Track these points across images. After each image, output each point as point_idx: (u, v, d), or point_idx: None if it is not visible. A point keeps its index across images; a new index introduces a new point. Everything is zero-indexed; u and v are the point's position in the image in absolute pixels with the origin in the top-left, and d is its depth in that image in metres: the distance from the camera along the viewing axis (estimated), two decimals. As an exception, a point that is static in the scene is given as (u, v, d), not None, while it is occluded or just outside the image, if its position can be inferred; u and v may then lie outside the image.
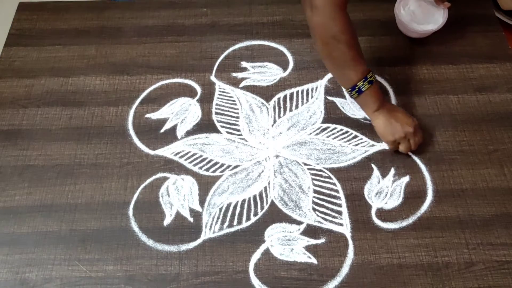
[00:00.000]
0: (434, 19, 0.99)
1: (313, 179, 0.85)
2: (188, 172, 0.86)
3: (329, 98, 0.95)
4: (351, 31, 0.80)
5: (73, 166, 0.87)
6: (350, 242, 0.79)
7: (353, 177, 0.85)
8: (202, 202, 0.83)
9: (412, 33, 1.01)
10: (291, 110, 0.94)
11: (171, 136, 0.91)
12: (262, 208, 0.82)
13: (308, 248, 0.78)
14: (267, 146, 0.89)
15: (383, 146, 0.89)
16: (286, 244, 0.79)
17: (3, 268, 0.77)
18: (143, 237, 0.80)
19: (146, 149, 0.89)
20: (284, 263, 0.77)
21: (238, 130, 0.91)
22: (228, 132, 0.91)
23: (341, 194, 0.84)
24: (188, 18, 1.08)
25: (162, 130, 0.91)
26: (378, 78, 0.97)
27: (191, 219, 0.81)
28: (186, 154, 0.88)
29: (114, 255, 0.78)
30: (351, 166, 0.87)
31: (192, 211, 0.82)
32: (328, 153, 0.88)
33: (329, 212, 0.82)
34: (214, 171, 0.86)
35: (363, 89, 0.82)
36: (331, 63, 0.84)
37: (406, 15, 0.99)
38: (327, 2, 0.77)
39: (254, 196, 0.84)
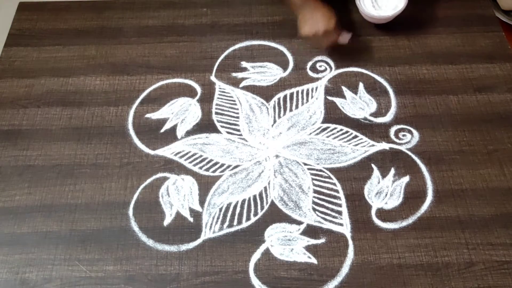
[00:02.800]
0: (395, 5, 1.00)
1: (313, 179, 0.85)
2: (188, 172, 0.86)
3: (329, 98, 0.95)
4: None
5: (73, 166, 0.87)
6: (350, 242, 0.79)
7: (353, 177, 0.85)
8: (202, 202, 0.83)
9: (370, 19, 1.02)
10: (291, 110, 0.94)
11: (171, 136, 0.91)
12: (262, 208, 0.82)
13: (308, 248, 0.78)
14: (267, 146, 0.89)
15: (383, 146, 0.89)
16: (286, 244, 0.79)
17: (3, 268, 0.77)
18: (143, 237, 0.80)
19: (146, 149, 0.89)
20: (284, 263, 0.77)
21: (238, 130, 0.91)
22: (228, 132, 0.91)
23: (341, 194, 0.84)
24: (188, 18, 1.08)
25: (162, 130, 0.91)
26: (378, 78, 0.98)
27: (191, 219, 0.81)
28: (186, 154, 0.88)
29: (114, 255, 0.78)
30: (351, 166, 0.87)
31: (192, 211, 0.82)
32: (328, 153, 0.88)
33: (329, 212, 0.82)
34: (214, 171, 0.86)
35: None
36: None
37: (367, 1, 1.02)
38: None
39: (254, 196, 0.84)
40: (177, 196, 0.84)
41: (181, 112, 0.94)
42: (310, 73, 0.99)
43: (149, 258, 0.78)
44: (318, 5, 0.93)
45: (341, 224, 0.81)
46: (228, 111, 0.94)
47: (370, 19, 1.02)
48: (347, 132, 0.91)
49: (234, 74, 0.99)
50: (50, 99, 0.95)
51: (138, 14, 1.09)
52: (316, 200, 0.83)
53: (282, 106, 0.94)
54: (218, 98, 0.96)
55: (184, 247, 0.79)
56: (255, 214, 0.82)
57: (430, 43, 1.03)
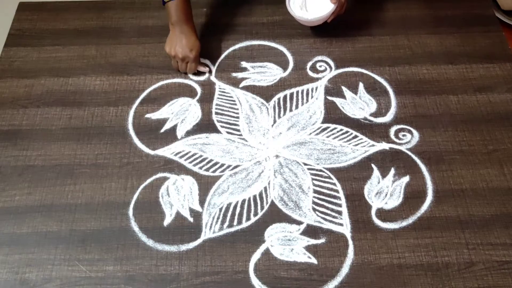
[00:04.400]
0: (323, 8, 0.99)
1: (313, 179, 0.85)
2: (188, 172, 0.86)
3: (329, 98, 0.95)
4: None
5: (73, 166, 0.87)
6: (350, 242, 0.79)
7: (353, 177, 0.85)
8: (202, 202, 0.83)
9: (300, 21, 1.01)
10: (291, 110, 0.94)
11: (171, 136, 0.91)
12: (262, 208, 0.82)
13: (308, 248, 0.78)
14: (267, 146, 0.89)
15: (383, 146, 0.89)
16: (286, 244, 0.79)
17: (3, 268, 0.77)
18: (143, 237, 0.80)
19: (146, 149, 0.89)
20: (284, 263, 0.77)
21: (238, 130, 0.91)
22: (228, 132, 0.91)
23: (341, 194, 0.84)
24: (188, 18, 1.08)
25: (162, 130, 0.91)
26: (378, 78, 0.97)
27: (191, 219, 0.81)
28: (186, 154, 0.88)
29: (114, 255, 0.78)
30: (351, 166, 0.87)
31: (192, 211, 0.82)
32: (328, 153, 0.88)
33: (329, 212, 0.82)
34: (214, 171, 0.86)
35: (164, 3, 0.93)
36: None
37: (295, 4, 1.01)
38: None
39: (254, 196, 0.84)
40: (177, 196, 0.84)
41: (181, 112, 0.94)
42: (310, 73, 0.99)
43: (149, 258, 0.78)
44: (188, 30, 0.94)
45: (341, 224, 0.81)
46: (228, 111, 0.94)
47: (302, 22, 1.01)
48: (347, 132, 0.91)
49: (234, 74, 0.99)
50: (50, 99, 0.95)
51: (138, 14, 1.09)
52: (316, 200, 0.83)
53: (282, 106, 0.94)
54: (218, 98, 0.96)
55: (184, 247, 0.79)
56: (255, 214, 0.82)
57: (430, 43, 1.03)
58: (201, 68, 0.98)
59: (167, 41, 0.95)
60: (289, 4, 1.00)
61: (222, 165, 0.87)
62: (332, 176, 0.85)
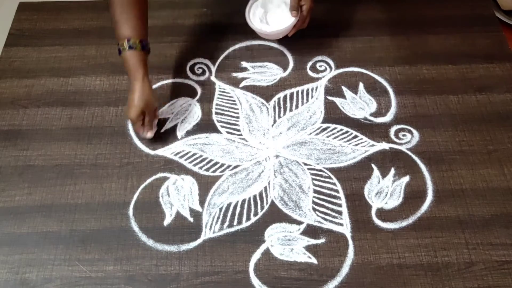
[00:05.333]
0: (283, 21, 0.96)
1: (313, 179, 0.85)
2: (188, 172, 0.86)
3: (329, 98, 0.95)
4: None
5: (73, 166, 0.87)
6: (350, 242, 0.79)
7: (353, 177, 0.85)
8: (202, 202, 0.83)
9: (262, 35, 0.99)
10: (291, 110, 0.94)
11: (171, 136, 0.91)
12: (262, 208, 0.82)
13: (308, 248, 0.78)
14: (267, 146, 0.89)
15: (383, 146, 0.89)
16: (286, 244, 0.79)
17: (3, 268, 0.77)
18: (143, 237, 0.80)
19: (146, 149, 0.89)
20: (284, 263, 0.77)
21: (238, 130, 0.91)
22: (228, 132, 0.91)
23: (341, 194, 0.84)
24: (188, 18, 1.08)
25: (162, 130, 0.91)
26: (378, 78, 0.97)
27: (191, 219, 0.81)
28: (186, 154, 0.88)
29: (114, 255, 0.78)
30: (351, 166, 0.87)
31: (192, 211, 0.82)
32: (328, 153, 0.88)
33: (329, 212, 0.82)
34: (214, 171, 0.86)
35: (121, 53, 0.85)
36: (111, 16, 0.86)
37: (255, 16, 0.99)
38: None
39: (254, 196, 0.84)
40: (177, 196, 0.84)
41: (181, 112, 0.94)
42: (310, 73, 0.99)
43: (149, 258, 0.78)
44: (144, 92, 0.84)
45: (341, 224, 0.81)
46: (228, 111, 0.94)
47: (262, 35, 0.99)
48: (347, 132, 0.91)
49: (234, 74, 0.99)
50: (50, 99, 0.95)
51: (138, 14, 1.08)
52: (316, 200, 0.83)
53: (282, 106, 0.94)
54: (218, 98, 0.96)
55: (184, 247, 0.79)
56: (255, 214, 0.82)
57: (430, 43, 1.03)
58: (148, 133, 0.88)
59: (127, 103, 0.86)
60: (248, 16, 0.98)
61: (222, 165, 0.87)
62: (332, 176, 0.85)
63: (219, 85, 0.98)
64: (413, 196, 0.83)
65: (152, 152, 0.89)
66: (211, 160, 0.88)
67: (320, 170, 0.86)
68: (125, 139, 0.90)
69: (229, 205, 0.83)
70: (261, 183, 0.85)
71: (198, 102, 0.95)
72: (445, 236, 0.79)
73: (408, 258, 0.77)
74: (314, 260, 0.77)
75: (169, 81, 0.98)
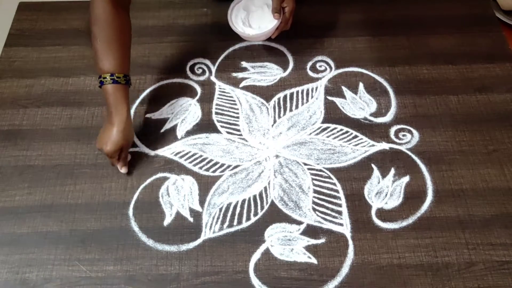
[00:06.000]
0: (266, 25, 0.96)
1: (313, 179, 0.85)
2: (188, 172, 0.86)
3: (329, 98, 0.95)
4: (105, 26, 0.81)
5: (73, 166, 0.87)
6: (350, 242, 0.79)
7: (353, 177, 0.85)
8: (202, 202, 0.83)
9: (242, 36, 0.99)
10: (291, 110, 0.94)
11: (171, 136, 0.91)
12: (262, 208, 0.82)
13: (308, 248, 0.78)
14: (267, 146, 0.89)
15: (383, 146, 0.89)
16: (286, 244, 0.79)
17: (3, 268, 0.77)
18: (143, 237, 0.80)
19: (146, 149, 0.89)
20: (284, 263, 0.77)
21: (238, 130, 0.91)
22: (228, 132, 0.91)
23: (341, 194, 0.84)
24: (188, 18, 1.08)
25: (162, 130, 0.91)
26: (378, 78, 0.97)
27: (191, 219, 0.81)
28: (186, 154, 0.88)
29: (114, 255, 0.78)
30: (351, 166, 0.87)
31: (192, 211, 0.82)
32: (328, 153, 0.88)
33: (329, 212, 0.82)
34: (214, 171, 0.86)
35: (102, 85, 0.81)
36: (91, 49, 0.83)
37: (238, 19, 0.98)
38: None
39: (254, 196, 0.84)
40: (177, 196, 0.84)
41: (181, 112, 0.94)
42: (310, 73, 0.99)
43: (149, 258, 0.78)
44: (125, 128, 0.82)
45: (341, 224, 0.81)
46: (228, 111, 0.94)
47: (245, 37, 0.99)
48: (347, 132, 0.91)
49: (234, 74, 0.99)
50: (50, 99, 0.95)
51: (138, 14, 1.08)
52: (316, 200, 0.83)
53: (282, 106, 0.94)
54: (218, 98, 0.96)
55: (184, 247, 0.79)
56: (255, 214, 0.82)
57: (430, 43, 1.03)
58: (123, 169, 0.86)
59: (98, 138, 0.84)
60: (231, 19, 0.98)
61: (222, 165, 0.87)
62: (332, 176, 0.85)
63: (219, 85, 0.98)
64: (413, 196, 0.83)
65: (152, 152, 0.89)
66: (211, 160, 0.88)
67: (320, 170, 0.86)
68: (125, 139, 0.90)
69: (229, 205, 0.83)
70: (261, 183, 0.85)
71: (198, 102, 0.95)
72: (445, 236, 0.79)
73: (408, 258, 0.77)
74: (314, 260, 0.77)
75: (169, 81, 0.98)
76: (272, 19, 0.95)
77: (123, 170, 0.85)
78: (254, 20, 0.98)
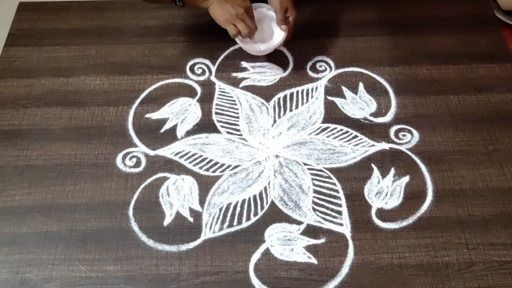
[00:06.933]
0: (271, 39, 0.95)
1: (313, 179, 0.85)
2: (188, 172, 0.86)
3: (329, 98, 0.95)
4: None
5: (73, 166, 0.87)
6: (350, 242, 0.79)
7: (353, 177, 0.85)
8: (202, 202, 0.83)
9: (249, 52, 0.97)
10: (291, 110, 0.94)
11: (171, 136, 0.91)
12: (262, 208, 0.82)
13: (308, 248, 0.78)
14: (267, 146, 0.89)
15: (383, 146, 0.89)
16: (286, 244, 0.79)
17: (3, 268, 0.77)
18: (143, 237, 0.80)
19: (146, 149, 0.89)
20: (284, 263, 0.77)
21: (238, 130, 0.91)
22: (228, 132, 0.91)
23: (341, 194, 0.84)
24: (188, 18, 1.08)
25: (162, 130, 0.91)
26: (378, 78, 0.98)
27: (191, 219, 0.81)
28: (186, 154, 0.88)
29: (114, 255, 0.78)
30: (351, 166, 0.87)
31: (192, 211, 0.82)
32: (328, 153, 0.88)
33: (329, 212, 0.82)
34: (214, 171, 0.86)
35: None
36: None
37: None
38: None
39: (254, 196, 0.84)
40: (177, 196, 0.84)
41: (181, 112, 0.94)
42: (310, 73, 0.99)
43: (149, 258, 0.78)
44: None
45: (341, 224, 0.81)
46: (228, 111, 0.94)
47: (253, 52, 0.97)
48: (347, 132, 0.91)
49: (234, 74, 0.99)
50: (50, 99, 0.95)
51: (138, 14, 1.09)
52: (316, 200, 0.83)
53: (282, 106, 0.94)
54: (218, 98, 0.96)
55: (184, 247, 0.79)
56: (255, 214, 0.82)
57: (430, 43, 1.03)
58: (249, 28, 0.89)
59: (215, 15, 0.90)
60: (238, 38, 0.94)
61: (222, 165, 0.87)
62: (332, 176, 0.85)
63: (219, 85, 0.98)
64: (413, 196, 0.83)
65: (152, 152, 0.89)
66: (211, 160, 0.88)
67: (320, 170, 0.86)
68: (125, 139, 0.90)
69: (229, 205, 0.83)
70: (261, 183, 0.85)
71: (198, 102, 0.95)
72: (445, 236, 0.79)
73: (408, 258, 0.77)
74: (314, 260, 0.77)
75: (169, 81, 0.98)
76: (275, 30, 0.94)
77: (253, 26, 0.89)
78: (258, 34, 0.95)
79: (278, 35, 0.94)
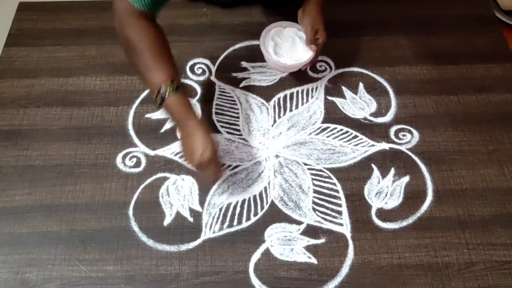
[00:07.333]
0: (298, 57, 0.93)
1: (313, 179, 0.85)
2: (188, 172, 0.86)
3: (329, 98, 0.95)
4: (147, 39, 0.76)
5: (73, 166, 0.87)
6: (350, 242, 0.79)
7: (353, 177, 0.85)
8: (202, 202, 0.83)
9: (274, 64, 0.94)
10: (291, 110, 0.94)
11: (171, 136, 0.91)
12: (262, 208, 0.82)
13: (308, 248, 0.78)
14: (267, 146, 0.89)
15: (383, 146, 0.89)
16: (286, 244, 0.79)
17: (3, 268, 0.77)
18: (143, 237, 0.80)
19: (146, 149, 0.89)
20: (284, 263, 0.77)
21: (238, 130, 0.91)
22: (228, 132, 0.91)
23: (341, 194, 0.84)
24: (188, 18, 1.08)
25: (162, 130, 0.91)
26: (378, 78, 0.98)
27: (191, 219, 0.81)
28: (186, 154, 0.88)
29: (114, 255, 0.78)
30: (351, 166, 0.87)
31: (192, 211, 0.82)
32: (328, 153, 0.88)
33: (329, 212, 0.82)
34: (214, 171, 0.86)
35: (164, 100, 0.75)
36: (133, 70, 0.80)
37: (269, 47, 0.93)
38: (119, 8, 0.78)
39: (254, 196, 0.84)
40: (177, 196, 0.84)
41: (181, 112, 0.94)
42: (310, 73, 0.99)
43: (149, 258, 0.78)
44: (208, 135, 0.76)
45: (341, 224, 0.81)
46: (228, 111, 0.94)
47: (277, 67, 0.94)
48: (347, 132, 0.91)
49: (234, 74, 0.99)
50: (50, 99, 0.95)
51: (138, 14, 1.09)
52: (316, 200, 0.83)
53: (282, 106, 0.94)
54: (218, 98, 0.96)
55: (184, 247, 0.79)
56: (255, 214, 0.82)
57: (430, 43, 1.03)
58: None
59: (185, 154, 0.79)
60: (265, 48, 0.93)
61: (222, 165, 0.87)
62: (332, 176, 0.85)
63: (219, 85, 0.98)
64: (413, 196, 0.83)
65: (152, 152, 0.89)
66: (211, 160, 0.87)
67: (320, 170, 0.86)
68: (125, 139, 0.90)
69: (229, 205, 0.83)
70: (261, 183, 0.85)
71: (198, 102, 0.95)
72: (445, 236, 0.79)
73: (408, 258, 0.77)
74: (314, 260, 0.77)
75: (169, 81, 0.98)
76: (304, 50, 0.93)
77: (223, 173, 0.83)
78: (285, 51, 0.94)
79: (305, 54, 0.93)
